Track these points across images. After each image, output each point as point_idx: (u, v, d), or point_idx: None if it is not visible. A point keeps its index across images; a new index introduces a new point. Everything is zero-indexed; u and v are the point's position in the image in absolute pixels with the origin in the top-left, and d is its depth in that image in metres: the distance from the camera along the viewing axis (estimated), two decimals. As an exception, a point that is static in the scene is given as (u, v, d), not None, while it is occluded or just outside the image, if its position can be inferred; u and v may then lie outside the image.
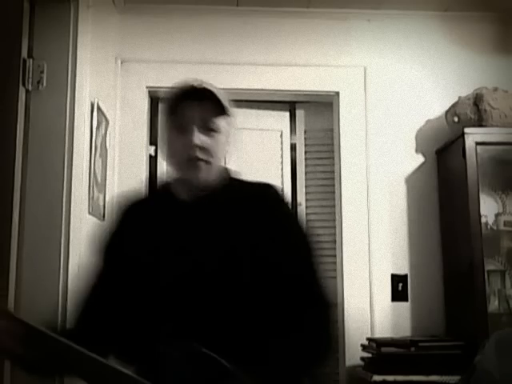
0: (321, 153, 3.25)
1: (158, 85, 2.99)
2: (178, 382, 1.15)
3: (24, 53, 2.00)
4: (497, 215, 2.76)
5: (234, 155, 1.51)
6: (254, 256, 1.31)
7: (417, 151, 3.01)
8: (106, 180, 2.58)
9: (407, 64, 3.05)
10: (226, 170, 1.45)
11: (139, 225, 1.42)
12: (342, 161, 2.98)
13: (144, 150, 2.97)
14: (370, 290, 2.85)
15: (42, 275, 1.91)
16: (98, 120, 2.38)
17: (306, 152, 3.28)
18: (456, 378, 2.28)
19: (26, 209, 1.94)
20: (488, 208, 2.72)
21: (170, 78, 2.96)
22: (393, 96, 3.03)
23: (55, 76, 2.02)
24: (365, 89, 3.02)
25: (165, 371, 1.17)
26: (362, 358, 2.67)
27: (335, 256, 2.93)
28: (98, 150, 2.41)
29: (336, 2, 2.99)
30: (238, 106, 1.57)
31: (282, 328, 1.28)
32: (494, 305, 2.65)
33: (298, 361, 1.27)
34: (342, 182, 2.96)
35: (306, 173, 3.26)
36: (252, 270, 1.30)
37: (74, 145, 2.03)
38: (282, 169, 3.21)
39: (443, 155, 2.92)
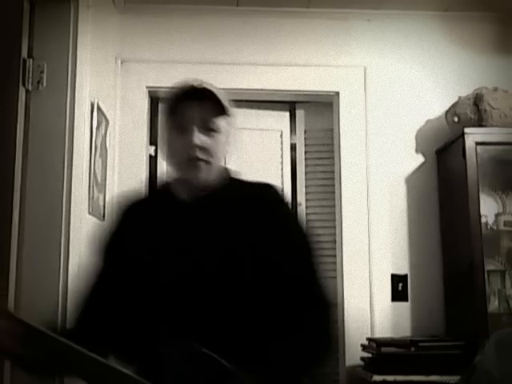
0: (321, 153, 3.25)
1: (158, 85, 2.99)
2: (177, 382, 1.15)
3: (24, 53, 2.00)
4: (497, 215, 2.76)
5: (234, 155, 1.51)
6: (253, 256, 1.31)
7: (417, 151, 3.01)
8: (106, 180, 2.58)
9: (407, 64, 3.05)
10: (226, 170, 1.45)
11: (139, 225, 1.42)
12: (342, 161, 2.98)
13: (144, 149, 2.97)
14: (370, 290, 2.85)
15: (42, 275, 1.91)
16: (98, 120, 2.38)
17: (305, 152, 3.28)
18: (456, 378, 2.28)
19: (26, 209, 1.94)
20: (488, 208, 2.72)
21: (170, 78, 2.96)
22: (393, 96, 3.03)
23: (55, 76, 2.02)
24: (365, 89, 3.03)
25: (165, 371, 1.17)
26: (362, 358, 2.67)
27: (335, 256, 2.93)
28: (98, 149, 2.41)
29: (336, 1, 2.99)
30: (238, 106, 1.57)
31: (282, 328, 1.28)
32: (493, 305, 2.65)
33: (298, 361, 1.27)
34: (342, 181, 2.96)
35: (306, 173, 3.26)
36: (252, 269, 1.30)
37: (74, 145, 2.03)
38: (282, 169, 3.21)
39: (443, 155, 2.92)
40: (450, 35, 3.07)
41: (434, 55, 3.06)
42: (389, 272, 2.90)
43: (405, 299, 2.88)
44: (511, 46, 3.08)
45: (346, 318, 2.80)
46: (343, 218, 2.93)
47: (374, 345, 2.57)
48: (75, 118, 2.04)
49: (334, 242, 2.96)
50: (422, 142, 3.00)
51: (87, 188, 2.23)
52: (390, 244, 2.92)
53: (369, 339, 2.68)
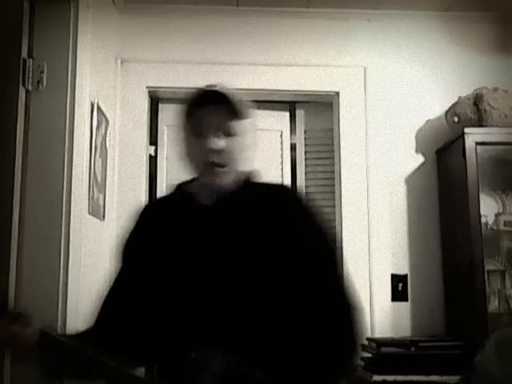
0: (321, 153, 3.24)
1: (158, 85, 3.00)
2: None
3: (24, 53, 2.00)
4: (497, 215, 2.77)
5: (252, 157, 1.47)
6: (274, 259, 1.28)
7: (417, 151, 3.01)
8: (105, 180, 2.58)
9: (407, 64, 3.05)
10: (246, 173, 1.42)
11: (157, 226, 1.41)
12: (342, 161, 2.98)
13: (144, 150, 2.97)
14: (370, 290, 2.85)
15: (42, 275, 1.91)
16: (98, 120, 2.38)
17: (305, 152, 3.28)
18: (456, 378, 2.27)
19: (26, 209, 1.94)
20: (488, 208, 2.72)
21: (170, 78, 3.01)
22: (393, 96, 3.03)
23: (55, 76, 2.02)
24: (365, 89, 3.03)
25: (188, 380, 1.15)
26: (362, 358, 2.67)
27: (335, 256, 2.93)
28: (98, 149, 2.41)
29: (336, 1, 2.99)
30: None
31: (307, 334, 1.25)
32: (493, 305, 2.65)
33: (324, 369, 1.23)
34: (342, 181, 2.96)
35: (305, 173, 3.25)
36: (274, 273, 1.27)
37: (74, 145, 2.03)
38: (282, 169, 3.21)
39: (443, 155, 2.92)
40: (450, 35, 3.07)
41: (434, 55, 3.06)
42: (389, 272, 2.90)
43: (405, 299, 2.88)
44: (511, 46, 3.08)
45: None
46: (343, 218, 2.93)
47: (374, 345, 2.56)
48: (75, 117, 2.04)
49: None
50: (422, 142, 3.00)
51: (87, 188, 2.23)
52: (389, 244, 2.92)
53: (369, 339, 2.67)
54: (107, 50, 2.69)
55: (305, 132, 3.29)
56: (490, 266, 2.64)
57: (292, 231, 1.32)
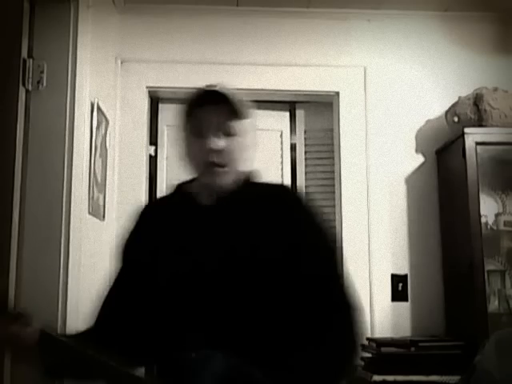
0: (321, 153, 3.24)
1: (158, 85, 3.00)
2: None
3: (24, 53, 2.00)
4: (497, 215, 2.77)
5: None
6: (274, 259, 1.28)
7: (417, 151, 3.01)
8: (105, 180, 2.58)
9: (407, 64, 3.05)
10: (246, 174, 1.42)
11: (157, 226, 1.41)
12: (342, 161, 2.98)
13: (144, 149, 2.97)
14: (370, 290, 2.85)
15: (42, 275, 1.91)
16: (98, 120, 2.38)
17: (305, 152, 3.27)
18: (456, 378, 2.27)
19: (26, 209, 1.94)
20: (488, 208, 2.72)
21: (170, 78, 3.01)
22: (393, 96, 3.03)
23: (55, 76, 2.02)
24: (365, 89, 3.03)
25: (188, 379, 1.15)
26: (362, 358, 2.67)
27: (335, 256, 2.93)
28: (98, 149, 2.41)
29: (336, 1, 2.99)
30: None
31: (307, 334, 1.25)
32: (493, 305, 2.65)
33: (324, 369, 1.23)
34: (342, 181, 2.96)
35: (305, 173, 3.25)
36: (273, 273, 1.27)
37: (74, 145, 2.03)
38: (282, 169, 3.21)
39: (443, 155, 2.92)
40: (450, 35, 3.07)
41: (434, 55, 3.06)
42: (389, 272, 2.90)
43: (405, 299, 2.88)
44: (511, 46, 3.08)
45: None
46: (343, 217, 2.93)
47: (374, 345, 2.56)
48: (75, 118, 2.04)
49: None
50: (422, 142, 3.00)
51: (87, 188, 2.23)
52: (389, 244, 2.92)
53: (369, 339, 2.67)
54: (107, 50, 2.69)
55: (305, 132, 3.29)
56: (490, 265, 2.64)
57: (292, 231, 1.32)
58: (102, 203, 2.51)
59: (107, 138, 2.58)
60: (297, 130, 3.29)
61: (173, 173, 2.99)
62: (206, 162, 1.32)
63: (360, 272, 2.87)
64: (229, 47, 3.00)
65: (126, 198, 2.82)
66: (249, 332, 1.25)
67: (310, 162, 3.27)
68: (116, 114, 2.86)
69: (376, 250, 2.90)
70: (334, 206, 3.02)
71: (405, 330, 2.84)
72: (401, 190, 2.97)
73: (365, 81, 3.03)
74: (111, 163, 2.72)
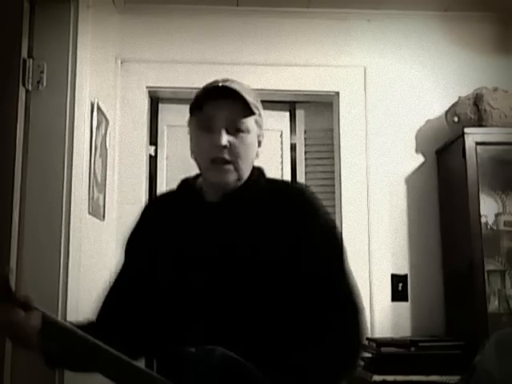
0: (321, 153, 3.24)
1: (158, 85, 3.00)
2: None
3: (24, 53, 2.00)
4: (497, 215, 2.77)
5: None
6: (280, 257, 1.27)
7: (417, 151, 3.01)
8: (105, 180, 2.58)
9: (407, 64, 3.05)
10: (256, 170, 1.40)
11: (162, 222, 1.40)
12: (342, 161, 2.98)
13: (144, 149, 2.97)
14: (370, 290, 2.85)
15: (42, 275, 1.91)
16: (98, 120, 2.38)
17: (305, 152, 3.28)
18: (456, 378, 2.28)
19: (26, 209, 1.94)
20: (488, 208, 2.72)
21: (170, 78, 3.01)
22: (393, 96, 3.03)
23: (55, 76, 2.02)
24: (365, 89, 3.03)
25: (188, 374, 1.14)
26: (362, 358, 2.67)
27: (335, 256, 2.93)
28: (98, 149, 2.41)
29: (336, 2, 2.99)
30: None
31: (309, 333, 1.24)
32: (493, 305, 2.64)
33: (325, 369, 1.22)
34: (342, 181, 2.96)
35: (305, 173, 3.25)
36: (280, 270, 1.26)
37: (74, 145, 2.03)
38: (282, 169, 3.21)
39: (443, 155, 2.92)
40: (450, 35, 3.07)
41: (434, 55, 3.06)
42: (389, 272, 2.90)
43: (405, 299, 2.88)
44: (511, 46, 3.08)
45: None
46: (343, 217, 2.92)
47: (374, 345, 2.56)
48: (75, 118, 2.04)
49: (334, 241, 2.95)
50: (422, 142, 3.00)
51: (87, 188, 2.23)
52: (389, 244, 2.92)
53: (369, 339, 2.67)
54: (107, 50, 2.69)
55: (305, 132, 3.29)
56: (490, 265, 2.64)
57: (297, 228, 1.30)
58: (101, 203, 2.51)
59: (107, 138, 2.58)
60: (297, 130, 3.29)
61: (173, 173, 3.00)
62: (212, 157, 1.31)
63: (360, 272, 2.84)
64: (229, 47, 3.00)
65: (126, 198, 2.82)
66: (250, 329, 1.24)
67: (309, 161, 3.27)
68: (116, 114, 2.86)
69: (376, 249, 2.90)
70: (334, 206, 3.02)
71: (405, 330, 2.84)
72: (401, 190, 2.97)
73: (365, 81, 3.03)
74: (111, 163, 2.72)
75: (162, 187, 3.02)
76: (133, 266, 1.41)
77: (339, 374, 1.26)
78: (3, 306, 1.20)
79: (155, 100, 3.12)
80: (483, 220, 2.62)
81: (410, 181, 2.98)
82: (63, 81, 2.03)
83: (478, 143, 2.60)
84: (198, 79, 2.81)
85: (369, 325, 2.81)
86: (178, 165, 2.97)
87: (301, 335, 1.24)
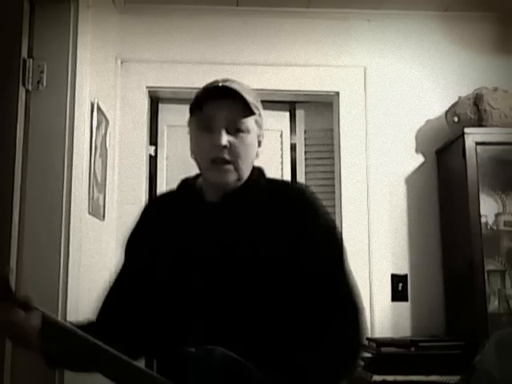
0: (321, 153, 3.24)
1: (158, 85, 3.00)
2: None
3: (24, 53, 2.00)
4: (497, 215, 2.76)
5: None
6: (281, 257, 1.27)
7: (417, 151, 3.01)
8: (105, 180, 2.58)
9: (407, 64, 3.05)
10: (256, 170, 1.40)
11: (163, 223, 1.40)
12: (342, 161, 2.98)
13: (144, 149, 2.97)
14: (370, 290, 2.85)
15: (42, 275, 1.91)
16: (98, 120, 2.38)
17: (305, 152, 3.28)
18: (456, 378, 2.28)
19: (26, 209, 1.94)
20: (488, 208, 2.72)
21: (170, 78, 3.01)
22: (393, 96, 3.03)
23: (55, 76, 2.02)
24: (365, 89, 3.03)
25: (188, 374, 1.14)
26: (362, 358, 2.67)
27: (335, 256, 2.93)
28: (98, 149, 2.41)
29: (336, 2, 2.99)
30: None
31: (309, 333, 1.24)
32: (494, 305, 2.64)
33: (324, 370, 1.22)
34: (342, 181, 2.96)
35: (305, 173, 3.25)
36: (280, 270, 1.26)
37: (74, 145, 2.03)
38: (282, 169, 3.21)
39: (443, 155, 2.92)
40: (450, 35, 3.07)
41: (434, 55, 3.06)
42: (389, 272, 2.90)
43: (405, 299, 2.88)
44: (511, 46, 3.08)
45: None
46: (343, 217, 2.92)
47: (374, 345, 2.56)
48: (75, 118, 2.04)
49: (334, 241, 2.95)
50: (422, 142, 3.00)
51: (87, 188, 2.23)
52: (389, 244, 2.92)
53: (369, 339, 2.67)
54: (107, 50, 2.69)
55: (305, 132, 3.29)
56: (490, 265, 2.64)
57: (298, 229, 1.30)
58: (101, 203, 2.51)
59: (107, 138, 2.58)
60: (297, 130, 3.29)
61: (173, 173, 3.00)
62: (212, 157, 1.30)
63: (360, 272, 2.84)
64: (229, 47, 3.00)
65: (126, 198, 2.82)
66: (250, 329, 1.25)
67: (309, 161, 3.27)
68: (116, 114, 2.86)
69: (376, 249, 2.90)
70: (334, 206, 3.02)
71: (405, 330, 2.84)
72: (401, 190, 2.97)
73: (365, 81, 3.03)
74: (111, 163, 2.72)
75: (162, 187, 3.02)
76: (133, 266, 1.41)
77: (339, 374, 1.26)
78: (3, 305, 1.20)
79: (155, 100, 3.12)
80: (483, 220, 2.62)
81: (410, 181, 2.98)
82: (63, 81, 2.03)
83: (478, 143, 2.61)
84: (197, 79, 2.81)
85: (369, 325, 2.81)
86: (178, 165, 2.97)
87: (301, 335, 1.24)
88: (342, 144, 2.99)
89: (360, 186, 2.95)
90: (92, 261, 2.31)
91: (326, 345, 1.24)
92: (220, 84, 1.32)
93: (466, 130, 2.62)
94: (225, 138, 1.29)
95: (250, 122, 1.33)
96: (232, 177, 1.32)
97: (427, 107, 3.01)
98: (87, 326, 1.30)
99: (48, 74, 2.01)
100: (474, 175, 2.57)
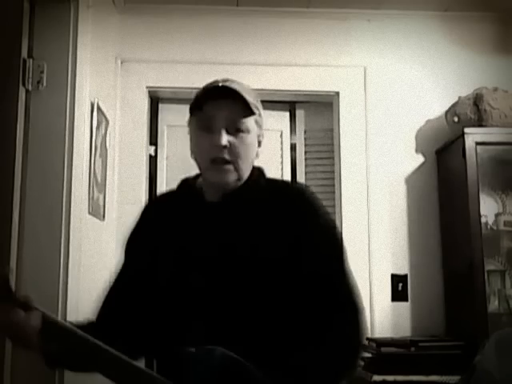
0: (321, 153, 3.24)
1: (158, 85, 3.00)
2: None
3: (24, 53, 2.00)
4: (497, 215, 2.76)
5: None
6: (280, 257, 1.27)
7: (417, 151, 3.01)
8: (105, 180, 2.58)
9: (407, 64, 3.05)
10: (256, 170, 1.40)
11: (163, 223, 1.40)
12: (342, 161, 2.98)
13: (144, 149, 2.97)
14: (370, 290, 2.85)
15: (42, 275, 1.91)
16: (98, 120, 2.38)
17: (305, 152, 3.28)
18: (456, 378, 2.28)
19: (26, 209, 1.94)
20: (488, 208, 2.72)
21: (170, 78, 3.01)
22: (393, 96, 3.03)
23: (55, 76, 2.02)
24: (365, 89, 3.03)
25: (188, 374, 1.14)
26: (362, 358, 2.67)
27: (335, 256, 2.93)
28: (98, 149, 2.41)
29: (336, 2, 2.99)
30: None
31: (309, 333, 1.24)
32: (494, 305, 2.64)
33: (324, 370, 1.22)
34: (342, 181, 2.96)
35: (305, 173, 3.25)
36: (279, 271, 1.26)
37: (74, 145, 2.03)
38: (282, 169, 3.21)
39: (443, 155, 2.92)
40: (450, 35, 3.07)
41: (434, 55, 3.06)
42: (389, 272, 2.90)
43: (405, 299, 2.88)
44: (511, 46, 3.08)
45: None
46: (343, 217, 2.92)
47: (374, 345, 2.56)
48: (75, 118, 2.04)
49: (334, 241, 2.95)
50: (422, 142, 3.00)
51: (87, 188, 2.23)
52: (389, 244, 2.92)
53: (369, 339, 2.67)
54: (107, 50, 2.69)
55: (305, 132, 3.29)
56: (490, 265, 2.64)
57: (297, 229, 1.30)
58: (101, 203, 2.51)
59: (107, 138, 2.58)
60: (297, 130, 3.29)
61: (173, 173, 3.00)
62: (212, 157, 1.31)
63: (360, 272, 2.85)
64: (229, 47, 3.00)
65: (126, 198, 2.82)
66: (250, 329, 1.25)
67: (309, 162, 3.27)
68: (116, 114, 2.86)
69: (376, 249, 2.90)
70: (334, 206, 3.02)
71: (405, 330, 2.84)
72: (401, 190, 2.97)
73: (365, 81, 3.03)
74: (111, 163, 2.72)
75: (162, 187, 3.02)
76: (133, 265, 1.41)
77: (339, 374, 1.26)
78: (3, 305, 1.20)
79: (155, 100, 3.12)
80: (483, 220, 2.62)
81: (410, 181, 2.98)
82: (63, 81, 2.03)
83: (478, 143, 2.60)
84: (198, 79, 2.81)
85: (369, 325, 2.81)
86: (178, 165, 2.97)
87: (301, 335, 1.24)
88: (342, 144, 2.99)
89: (360, 186, 2.95)
90: (92, 261, 2.31)
91: (326, 345, 1.23)
92: (220, 84, 1.32)
93: (466, 129, 2.62)
94: (225, 138, 1.29)
95: (250, 122, 1.33)
96: (232, 177, 1.32)
97: (427, 107, 3.01)
98: (87, 326, 1.30)
99: (48, 74, 2.01)
100: (474, 175, 2.57)
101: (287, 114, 3.30)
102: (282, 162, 3.22)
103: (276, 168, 3.20)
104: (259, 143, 1.40)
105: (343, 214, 2.93)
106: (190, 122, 1.39)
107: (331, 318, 1.26)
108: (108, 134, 2.60)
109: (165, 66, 2.97)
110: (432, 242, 2.92)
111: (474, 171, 2.57)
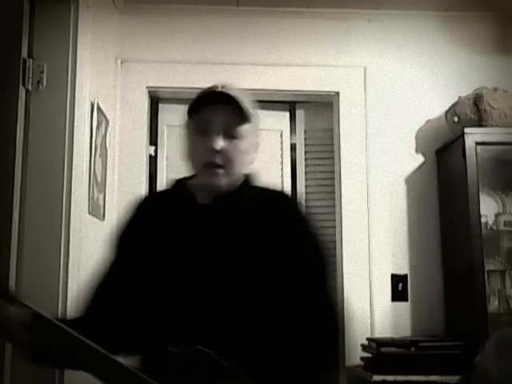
0: (321, 153, 3.24)
1: (158, 85, 3.00)
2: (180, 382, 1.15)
3: (24, 53, 2.00)
4: (497, 215, 2.76)
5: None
6: (264, 264, 1.29)
7: (417, 151, 3.01)
8: (105, 180, 2.58)
9: (407, 64, 3.05)
10: (245, 176, 1.43)
11: (152, 220, 1.42)
12: (342, 161, 2.98)
13: (144, 149, 2.97)
14: (370, 290, 2.85)
15: (42, 275, 1.91)
16: (98, 120, 2.38)
17: (305, 152, 3.28)
18: (456, 378, 2.28)
19: (26, 209, 1.94)
20: (488, 208, 2.72)
21: (170, 78, 3.01)
22: (393, 96, 3.03)
23: (55, 76, 2.02)
24: (365, 89, 3.03)
25: (169, 371, 1.17)
26: (362, 358, 2.67)
27: (335, 256, 2.93)
28: (98, 149, 2.41)
29: (336, 1, 2.99)
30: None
31: (288, 336, 1.27)
32: (493, 305, 2.64)
33: (299, 371, 1.25)
34: (342, 181, 2.96)
35: (305, 173, 3.25)
36: (263, 276, 1.29)
37: (74, 145, 2.03)
38: (282, 169, 3.21)
39: (443, 155, 2.92)
40: (450, 35, 3.07)
41: (434, 55, 3.06)
42: (389, 272, 2.90)
43: (405, 299, 2.88)
44: (511, 46, 3.08)
45: (346, 318, 2.80)
46: (343, 217, 2.93)
47: (374, 345, 2.57)
48: (75, 118, 2.04)
49: (334, 242, 2.96)
50: (422, 142, 3.00)
51: (87, 188, 2.23)
52: (389, 244, 2.92)
53: (369, 339, 2.68)
54: (107, 50, 2.69)
55: (305, 132, 3.29)
56: (490, 265, 2.64)
57: (284, 237, 1.33)
58: (101, 203, 2.51)
59: (107, 138, 2.58)
60: (297, 130, 3.29)
61: (173, 173, 2.99)
62: (205, 161, 1.33)
63: (360, 272, 2.87)
64: (229, 47, 3.00)
65: (126, 198, 2.80)
66: (234, 331, 1.26)
67: (309, 161, 3.27)
68: (116, 114, 2.86)
69: (376, 249, 2.90)
70: (334, 206, 3.02)
71: (405, 330, 2.84)
72: (401, 190, 2.97)
73: (365, 81, 3.03)
74: (111, 163, 2.72)
75: (162, 187, 3.02)
76: (123, 262, 1.42)
77: (315, 375, 1.28)
78: None
79: (155, 100, 3.12)
80: (483, 220, 2.62)
81: (410, 181, 2.98)
82: (63, 81, 2.03)
83: (478, 143, 2.60)
84: (197, 79, 2.82)
85: (369, 325, 2.81)
86: (178, 165, 2.92)
87: (280, 341, 1.26)
88: (342, 144, 2.99)
89: (360, 185, 2.95)
90: (92, 261, 2.31)
91: (302, 353, 1.26)
92: (218, 89, 1.34)
93: (466, 130, 2.62)
94: (219, 143, 1.32)
95: (245, 128, 1.35)
96: (223, 180, 1.35)
97: (427, 107, 3.01)
98: (75, 321, 1.31)
99: (48, 73, 2.01)
100: (474, 175, 2.57)
101: (287, 113, 3.30)
102: (282, 162, 3.22)
103: (276, 168, 3.20)
104: (255, 150, 1.42)
105: (343, 214, 2.93)
106: (185, 125, 1.41)
107: (309, 330, 1.29)
108: (108, 134, 2.60)
109: (165, 66, 2.97)
110: (432, 242, 2.92)
111: (473, 171, 2.57)
